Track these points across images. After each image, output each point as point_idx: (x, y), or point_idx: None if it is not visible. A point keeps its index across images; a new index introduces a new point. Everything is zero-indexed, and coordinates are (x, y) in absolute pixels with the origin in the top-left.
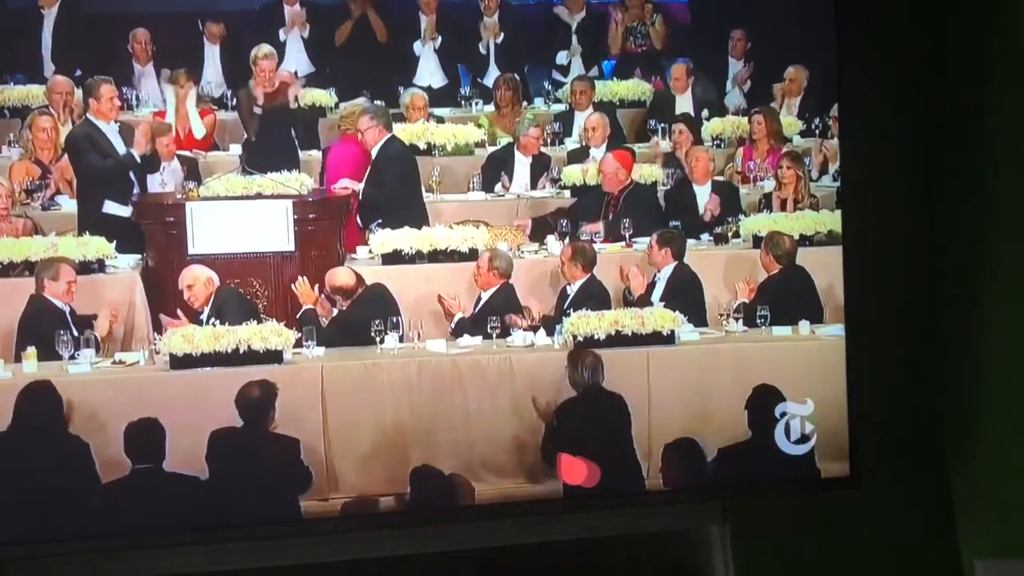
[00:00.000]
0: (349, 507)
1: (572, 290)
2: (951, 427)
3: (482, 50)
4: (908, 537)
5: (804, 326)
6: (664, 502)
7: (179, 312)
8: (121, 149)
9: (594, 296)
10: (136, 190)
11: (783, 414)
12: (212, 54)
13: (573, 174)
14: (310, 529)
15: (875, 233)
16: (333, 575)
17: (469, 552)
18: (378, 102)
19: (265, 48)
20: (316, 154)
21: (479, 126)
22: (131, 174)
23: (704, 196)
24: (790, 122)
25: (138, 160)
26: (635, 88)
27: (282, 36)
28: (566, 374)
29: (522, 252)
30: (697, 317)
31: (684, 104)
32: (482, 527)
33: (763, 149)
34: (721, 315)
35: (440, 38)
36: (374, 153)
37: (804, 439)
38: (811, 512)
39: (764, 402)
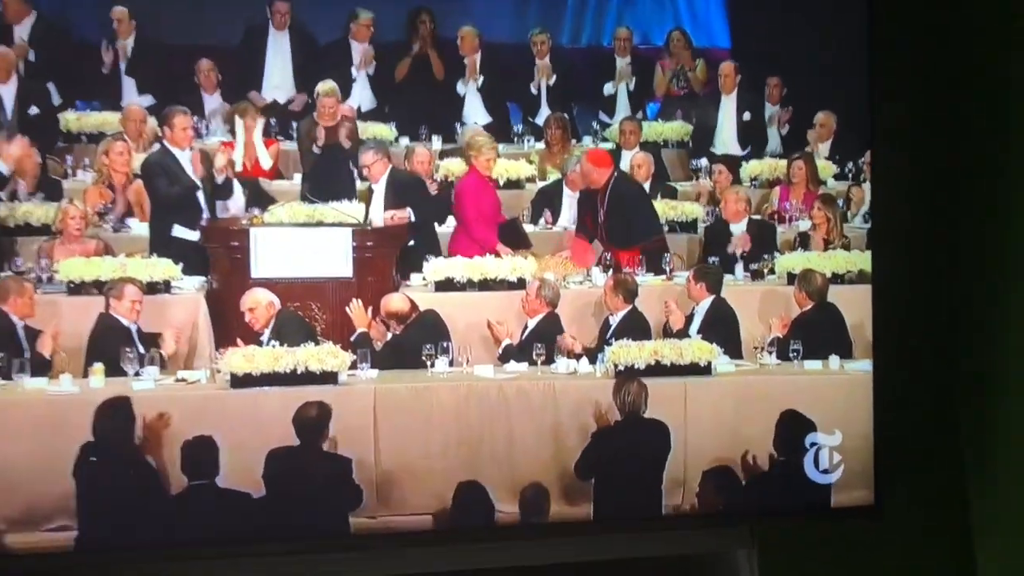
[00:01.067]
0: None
1: (614, 320)
2: (972, 458)
3: (533, 90)
4: (930, 563)
5: (834, 361)
6: (694, 526)
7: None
8: (193, 176)
9: (635, 327)
10: (205, 215)
11: (813, 444)
12: (279, 44)
13: None
14: (353, 544)
15: (903, 273)
16: None
17: (504, 571)
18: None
19: (328, 84)
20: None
21: (530, 162)
22: (200, 200)
23: (738, 233)
24: (824, 165)
25: (199, 185)
26: (679, 129)
27: (354, 74)
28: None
29: (568, 283)
30: (733, 349)
31: (728, 106)
32: (516, 546)
33: (800, 191)
34: (756, 348)
35: (482, 78)
36: (382, 184)
37: (832, 468)
38: (837, 537)
39: (793, 430)
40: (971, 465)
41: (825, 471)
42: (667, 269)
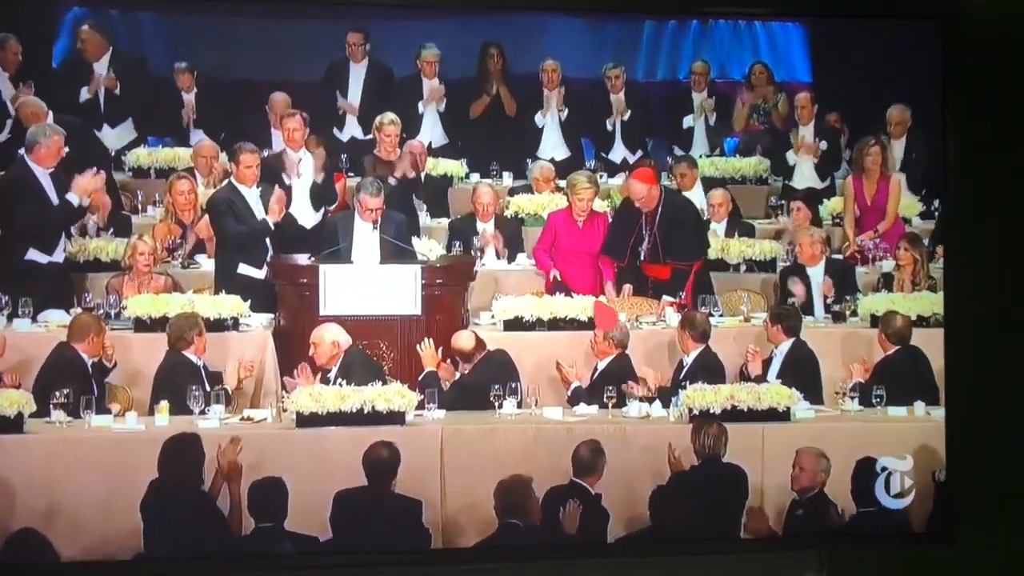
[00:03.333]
0: None
1: (688, 361)
2: None
3: (608, 126)
4: None
5: (919, 407)
6: (762, 549)
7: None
8: (260, 215)
9: (709, 368)
10: (271, 253)
11: (883, 469)
12: (358, 76)
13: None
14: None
15: (980, 315)
16: None
17: None
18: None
19: (390, 115)
20: (445, 222)
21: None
22: (266, 239)
23: (817, 276)
24: (909, 203)
25: (269, 225)
26: (756, 165)
27: (420, 109)
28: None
29: (640, 323)
30: (813, 394)
31: (807, 134)
32: (590, 564)
33: (874, 179)
34: (837, 393)
35: (567, 110)
36: (379, 224)
37: (904, 493)
38: (906, 562)
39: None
40: None
41: (897, 496)
42: (744, 310)
